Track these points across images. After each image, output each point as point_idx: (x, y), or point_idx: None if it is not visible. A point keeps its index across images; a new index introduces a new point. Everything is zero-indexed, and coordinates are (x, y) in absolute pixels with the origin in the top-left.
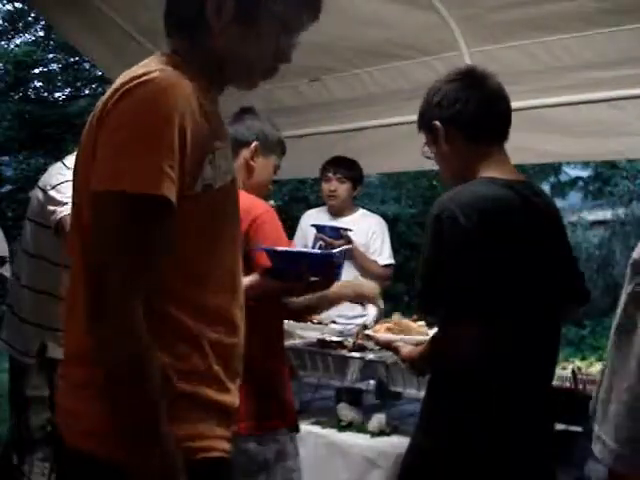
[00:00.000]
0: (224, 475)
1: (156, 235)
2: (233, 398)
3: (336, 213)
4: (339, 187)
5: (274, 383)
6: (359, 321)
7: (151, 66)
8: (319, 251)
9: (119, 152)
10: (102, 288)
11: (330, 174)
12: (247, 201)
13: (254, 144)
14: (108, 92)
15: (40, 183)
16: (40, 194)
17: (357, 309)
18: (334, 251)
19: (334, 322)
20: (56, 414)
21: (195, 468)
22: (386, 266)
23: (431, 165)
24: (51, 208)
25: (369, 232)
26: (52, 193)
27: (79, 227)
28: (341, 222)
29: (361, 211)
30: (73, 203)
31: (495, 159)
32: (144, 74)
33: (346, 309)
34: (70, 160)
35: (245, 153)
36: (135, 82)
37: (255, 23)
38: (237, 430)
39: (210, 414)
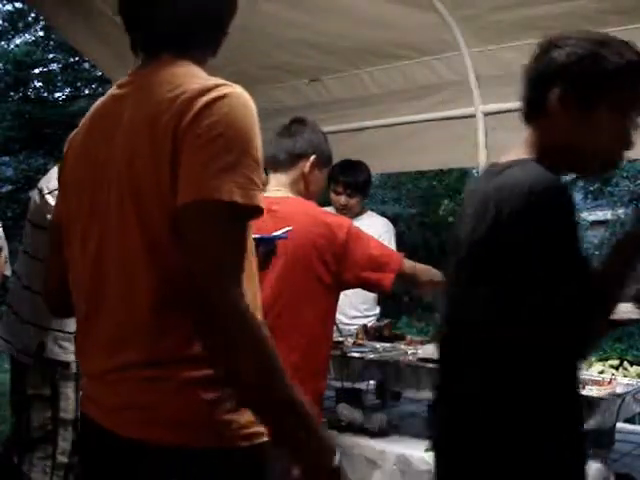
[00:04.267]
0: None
1: (247, 237)
2: None
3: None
4: (349, 201)
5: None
6: (360, 321)
7: (207, 78)
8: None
9: (217, 164)
10: (218, 288)
11: (340, 189)
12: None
13: (312, 158)
14: (175, 102)
15: (39, 184)
16: (37, 196)
17: (359, 309)
18: (274, 234)
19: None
20: (95, 406)
21: (258, 452)
22: None
23: (430, 165)
24: (49, 216)
25: (376, 235)
26: (48, 197)
27: (143, 236)
28: None
29: (369, 213)
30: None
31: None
32: (217, 86)
33: (348, 308)
34: None
35: (303, 166)
36: (215, 94)
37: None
38: None
39: None
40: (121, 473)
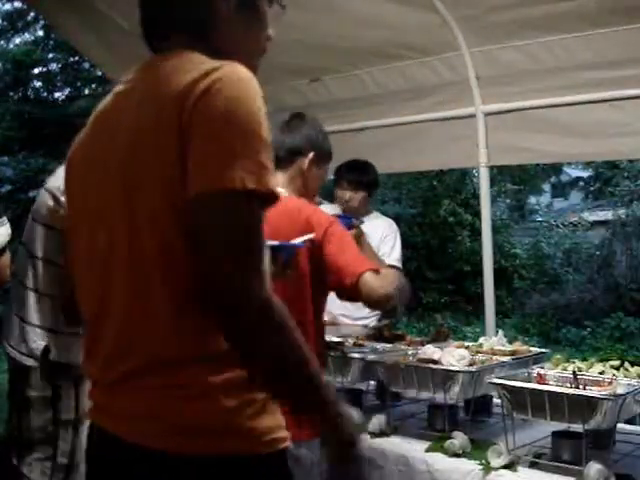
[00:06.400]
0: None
1: (262, 225)
2: None
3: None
4: (354, 197)
5: None
6: (361, 322)
7: (205, 61)
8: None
9: (227, 151)
10: (237, 284)
11: (344, 182)
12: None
13: (311, 155)
14: (176, 91)
15: (48, 186)
16: (49, 198)
17: (363, 310)
18: (293, 242)
19: (334, 323)
20: (107, 416)
21: (279, 458)
22: (391, 267)
23: (431, 165)
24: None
25: (382, 235)
26: (64, 199)
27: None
28: None
29: (374, 214)
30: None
31: None
32: (215, 69)
33: (351, 310)
34: None
35: (301, 163)
36: (213, 77)
37: (255, 8)
38: (292, 436)
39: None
40: None
